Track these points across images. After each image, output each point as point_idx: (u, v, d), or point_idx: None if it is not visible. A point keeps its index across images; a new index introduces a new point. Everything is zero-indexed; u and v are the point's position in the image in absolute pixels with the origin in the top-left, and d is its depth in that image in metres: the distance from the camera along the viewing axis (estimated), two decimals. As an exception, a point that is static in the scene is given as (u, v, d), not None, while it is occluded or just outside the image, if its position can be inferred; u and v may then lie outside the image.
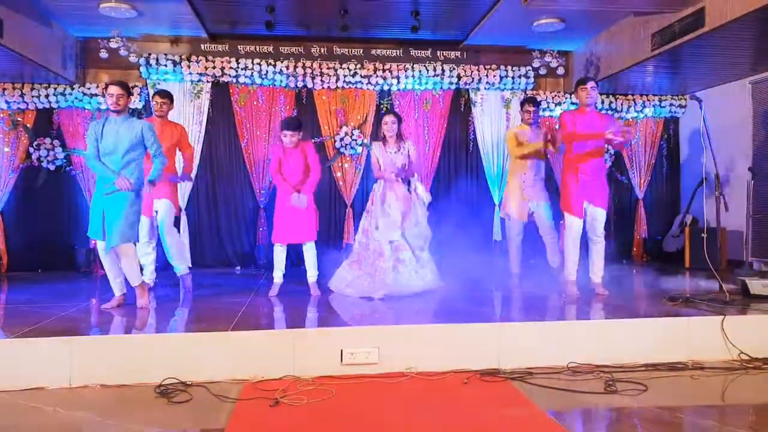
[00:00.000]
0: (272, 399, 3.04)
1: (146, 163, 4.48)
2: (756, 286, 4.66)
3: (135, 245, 4.44)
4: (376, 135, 5.38)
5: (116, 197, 4.24)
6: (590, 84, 4.78)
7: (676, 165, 8.14)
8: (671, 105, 7.95)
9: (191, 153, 5.49)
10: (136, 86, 6.89)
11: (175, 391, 3.17)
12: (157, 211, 5.09)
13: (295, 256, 6.54)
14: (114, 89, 4.21)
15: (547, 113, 7.56)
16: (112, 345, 3.49)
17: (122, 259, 4.33)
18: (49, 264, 6.92)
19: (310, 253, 5.02)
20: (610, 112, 7.76)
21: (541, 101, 6.76)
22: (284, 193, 4.91)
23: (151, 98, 6.81)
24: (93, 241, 6.83)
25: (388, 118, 5.09)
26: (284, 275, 5.06)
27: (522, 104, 5.71)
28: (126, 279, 4.45)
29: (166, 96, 5.29)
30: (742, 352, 3.75)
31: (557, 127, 5.73)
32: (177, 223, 6.77)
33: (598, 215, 4.81)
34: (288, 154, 4.96)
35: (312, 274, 5.05)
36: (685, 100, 7.94)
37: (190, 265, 5.59)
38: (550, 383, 3.30)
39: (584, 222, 4.87)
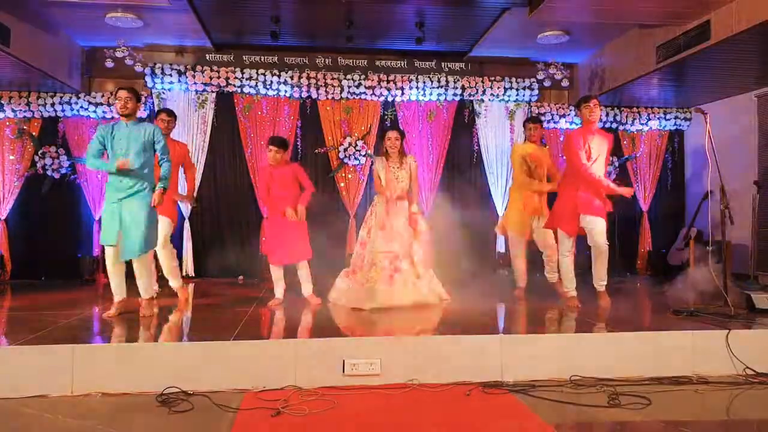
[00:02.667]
0: (274, 409, 3.02)
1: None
2: (761, 300, 4.63)
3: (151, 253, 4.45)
4: (379, 148, 5.39)
5: (134, 201, 4.22)
6: (593, 102, 4.80)
7: (680, 178, 8.13)
8: (676, 118, 7.95)
9: (194, 172, 5.45)
10: (141, 95, 6.93)
11: (176, 400, 3.16)
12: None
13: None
14: (122, 93, 4.27)
15: (551, 125, 7.57)
16: (114, 353, 3.48)
17: (140, 268, 4.32)
18: (52, 272, 6.92)
19: (303, 270, 5.02)
20: (614, 125, 7.77)
21: (542, 119, 6.76)
22: (275, 215, 4.90)
23: (155, 112, 6.83)
24: (98, 249, 6.88)
25: (392, 134, 5.10)
26: (285, 290, 5.06)
27: (524, 123, 5.72)
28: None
29: (172, 114, 5.32)
30: (747, 367, 3.71)
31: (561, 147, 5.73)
32: (180, 232, 6.81)
33: (598, 225, 4.77)
34: (276, 176, 4.91)
35: (306, 289, 5.04)
36: (690, 113, 7.93)
37: (184, 275, 5.60)
38: (552, 396, 3.27)
39: (586, 233, 4.86)
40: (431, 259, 5.23)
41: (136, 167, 4.21)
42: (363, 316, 4.54)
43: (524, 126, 5.69)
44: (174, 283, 5.22)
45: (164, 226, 5.13)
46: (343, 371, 3.46)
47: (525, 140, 5.69)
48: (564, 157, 5.15)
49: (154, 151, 4.37)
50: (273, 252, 4.95)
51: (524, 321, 4.66)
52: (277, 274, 5.02)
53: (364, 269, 5.02)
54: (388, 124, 7.17)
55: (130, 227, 4.20)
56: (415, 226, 5.09)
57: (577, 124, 7.51)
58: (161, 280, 5.47)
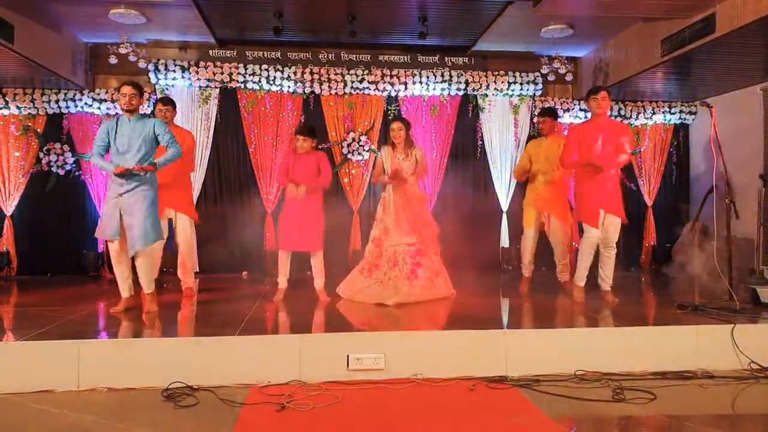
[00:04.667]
0: (278, 404, 3.03)
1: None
2: (766, 294, 4.62)
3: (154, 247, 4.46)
4: (385, 141, 5.38)
5: (134, 196, 4.23)
6: (601, 94, 4.75)
7: (685, 172, 8.09)
8: (681, 111, 7.91)
9: (174, 153, 5.34)
10: (145, 92, 6.94)
11: (181, 395, 3.17)
12: (171, 219, 5.18)
13: (302, 263, 6.53)
14: (127, 89, 4.26)
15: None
16: (120, 348, 3.50)
17: (142, 263, 4.33)
18: (57, 267, 6.95)
19: (317, 261, 5.02)
20: (619, 119, 7.73)
21: (556, 111, 6.75)
22: (291, 198, 4.90)
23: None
24: (102, 245, 6.90)
25: (395, 125, 5.08)
26: (289, 281, 5.06)
27: (538, 115, 5.74)
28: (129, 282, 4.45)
29: (168, 103, 5.27)
30: (752, 362, 3.70)
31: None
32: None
33: (613, 224, 4.78)
34: (299, 159, 4.95)
35: (319, 282, 5.04)
36: (695, 106, 7.89)
37: (197, 270, 5.64)
38: (557, 391, 3.28)
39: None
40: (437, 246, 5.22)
41: (132, 165, 4.21)
42: (367, 311, 4.55)
43: (538, 118, 5.74)
44: (187, 281, 5.26)
45: (185, 223, 5.17)
46: (348, 366, 3.47)
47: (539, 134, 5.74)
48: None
49: (157, 144, 4.37)
50: (284, 237, 4.95)
51: (528, 316, 4.65)
52: (283, 261, 5.01)
53: (383, 266, 5.00)
54: (392, 119, 7.15)
55: (131, 222, 4.21)
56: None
57: (580, 118, 7.49)
58: (167, 275, 5.51)
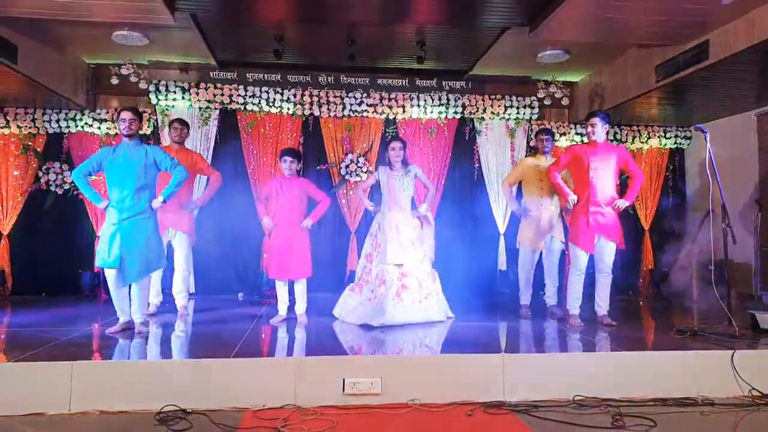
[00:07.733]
0: (273, 428, 2.99)
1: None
2: (766, 320, 4.60)
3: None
4: (383, 162, 5.42)
5: (135, 224, 4.21)
6: (591, 120, 4.85)
7: (682, 196, 8.12)
8: (676, 136, 7.97)
9: (216, 176, 5.55)
10: (145, 112, 6.99)
11: (174, 419, 3.13)
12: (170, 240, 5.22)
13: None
14: (126, 114, 4.30)
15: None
16: (113, 371, 3.46)
17: (138, 291, 4.31)
18: (53, 287, 6.90)
19: (300, 286, 5.01)
20: (614, 143, 7.76)
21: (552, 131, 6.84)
22: (277, 227, 4.92)
23: (164, 125, 6.87)
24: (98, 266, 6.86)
25: (396, 144, 5.16)
26: (289, 307, 5.05)
27: (536, 135, 5.79)
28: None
29: (185, 123, 5.46)
30: (753, 388, 3.67)
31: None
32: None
33: (609, 249, 4.79)
34: (285, 188, 4.95)
35: (300, 307, 5.02)
36: (690, 131, 7.95)
37: (192, 291, 5.64)
38: (555, 416, 3.24)
39: (593, 255, 4.84)
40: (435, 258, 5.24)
41: (131, 195, 4.22)
42: (364, 334, 4.51)
43: (536, 137, 5.80)
44: (180, 301, 5.25)
45: (182, 243, 5.17)
46: (344, 390, 3.43)
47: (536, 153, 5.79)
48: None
49: (157, 171, 4.37)
50: (275, 266, 4.94)
51: (527, 340, 4.62)
52: (281, 289, 5.01)
53: (371, 284, 4.99)
54: (391, 139, 7.19)
55: (130, 250, 4.18)
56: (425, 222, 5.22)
57: (576, 142, 7.54)
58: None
